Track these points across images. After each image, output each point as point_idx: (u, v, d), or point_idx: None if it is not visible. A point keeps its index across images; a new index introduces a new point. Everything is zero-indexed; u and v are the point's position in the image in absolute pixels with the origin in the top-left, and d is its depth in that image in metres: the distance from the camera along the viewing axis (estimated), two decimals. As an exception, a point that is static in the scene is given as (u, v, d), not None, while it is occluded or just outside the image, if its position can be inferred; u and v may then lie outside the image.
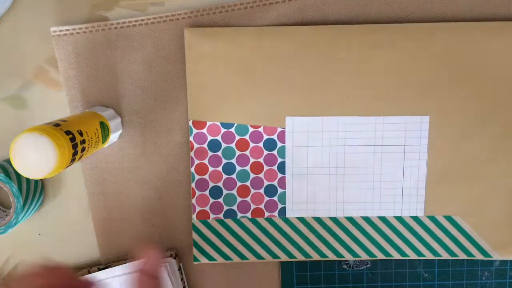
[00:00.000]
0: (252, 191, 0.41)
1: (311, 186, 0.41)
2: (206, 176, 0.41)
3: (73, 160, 0.33)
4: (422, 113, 0.39)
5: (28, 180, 0.41)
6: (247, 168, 0.40)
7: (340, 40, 0.39)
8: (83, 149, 0.34)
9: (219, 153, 0.40)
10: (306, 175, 0.40)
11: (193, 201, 0.41)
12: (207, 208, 0.41)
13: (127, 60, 0.40)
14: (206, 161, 0.40)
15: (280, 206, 0.41)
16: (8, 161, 0.41)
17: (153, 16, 0.39)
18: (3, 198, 0.44)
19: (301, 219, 0.41)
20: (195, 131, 0.40)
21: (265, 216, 0.41)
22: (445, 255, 0.41)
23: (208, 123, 0.40)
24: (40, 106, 0.42)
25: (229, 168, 0.40)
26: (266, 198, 0.41)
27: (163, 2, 0.40)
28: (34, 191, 0.41)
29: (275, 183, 0.41)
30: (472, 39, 0.38)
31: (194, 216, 0.41)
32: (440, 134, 0.40)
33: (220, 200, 0.41)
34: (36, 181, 0.42)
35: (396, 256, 0.41)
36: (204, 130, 0.40)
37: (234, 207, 0.41)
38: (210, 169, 0.41)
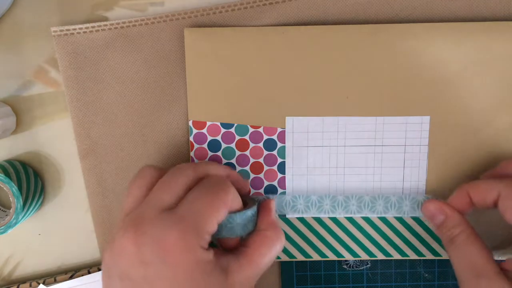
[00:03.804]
0: (252, 191, 0.41)
1: (311, 186, 0.40)
2: (206, 176, 0.41)
3: None
4: (423, 113, 0.39)
5: (28, 180, 0.41)
6: (247, 168, 0.40)
7: (340, 40, 0.39)
8: None
9: (219, 153, 0.40)
10: (306, 175, 0.40)
11: (193, 201, 0.41)
12: (207, 208, 0.41)
13: (127, 60, 0.40)
14: (206, 161, 0.40)
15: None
16: (8, 161, 0.41)
17: (153, 16, 0.39)
18: (3, 198, 0.44)
19: (301, 219, 0.41)
20: (195, 131, 0.40)
21: (265, 216, 0.41)
22: (445, 255, 0.41)
23: (208, 123, 0.40)
24: (40, 106, 0.42)
25: (229, 168, 0.40)
26: (266, 198, 0.41)
27: (163, 2, 0.40)
28: (34, 191, 0.41)
29: (275, 183, 0.41)
30: (472, 39, 0.38)
31: (194, 216, 0.41)
32: (440, 134, 0.39)
33: (220, 200, 0.41)
34: (36, 181, 0.42)
35: (396, 256, 0.41)
36: (204, 130, 0.40)
37: (234, 207, 0.41)
38: (210, 169, 0.40)
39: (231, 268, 0.33)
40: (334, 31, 0.39)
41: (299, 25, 0.39)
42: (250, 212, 0.35)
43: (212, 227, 0.32)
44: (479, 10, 0.39)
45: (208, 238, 0.32)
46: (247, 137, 0.40)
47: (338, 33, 0.39)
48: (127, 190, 0.35)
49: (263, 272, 0.35)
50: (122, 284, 0.32)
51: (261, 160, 0.40)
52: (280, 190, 0.41)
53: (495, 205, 0.35)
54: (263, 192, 0.41)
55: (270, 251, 0.35)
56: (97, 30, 0.39)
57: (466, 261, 0.34)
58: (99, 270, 0.42)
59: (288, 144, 0.40)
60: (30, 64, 0.41)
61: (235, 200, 0.35)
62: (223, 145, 0.40)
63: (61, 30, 0.39)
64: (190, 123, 0.40)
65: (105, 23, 0.39)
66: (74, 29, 0.39)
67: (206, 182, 0.34)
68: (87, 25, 0.39)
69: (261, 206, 0.38)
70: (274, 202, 0.38)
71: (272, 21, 0.39)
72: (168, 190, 0.34)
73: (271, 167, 0.40)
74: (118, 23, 0.39)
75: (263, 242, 0.35)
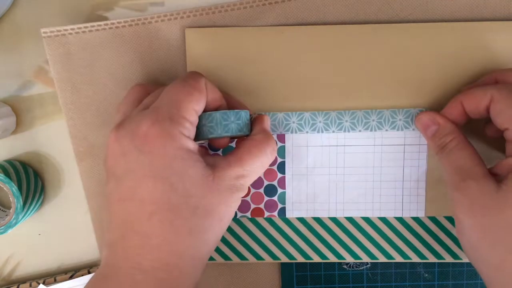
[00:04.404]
0: (252, 190, 0.41)
1: (311, 186, 0.40)
2: (206, 176, 0.40)
3: None
4: (422, 113, 0.39)
5: (28, 180, 0.41)
6: (247, 167, 0.40)
7: (340, 40, 0.39)
8: None
9: (219, 152, 0.40)
10: (306, 175, 0.40)
11: (193, 201, 0.41)
12: (207, 208, 0.41)
13: (123, 61, 0.40)
14: (206, 161, 0.40)
15: (280, 206, 0.41)
16: (8, 161, 0.41)
17: (150, 15, 0.39)
18: (3, 198, 0.44)
19: (301, 220, 0.41)
20: (195, 131, 0.40)
21: (265, 216, 0.41)
22: (448, 258, 0.41)
23: (208, 123, 0.40)
24: (40, 106, 0.42)
25: (229, 168, 0.40)
26: (266, 198, 0.41)
27: (163, 2, 0.40)
28: (34, 191, 0.41)
29: (275, 183, 0.41)
30: (472, 39, 0.38)
31: (194, 216, 0.41)
32: None
33: (220, 200, 0.41)
34: (36, 181, 0.42)
35: (398, 258, 0.41)
36: (204, 130, 0.40)
37: (234, 207, 0.41)
38: (210, 169, 0.40)
39: (219, 164, 0.33)
40: (334, 31, 0.39)
41: (299, 25, 0.39)
42: (244, 114, 0.36)
43: (188, 114, 0.32)
44: (479, 10, 0.39)
45: (188, 126, 0.32)
46: (246, 137, 0.40)
47: (338, 33, 0.39)
48: (117, 108, 0.36)
49: (255, 178, 0.35)
50: (110, 183, 0.33)
51: (260, 159, 0.40)
52: (280, 190, 0.41)
53: (488, 111, 0.35)
54: (263, 192, 0.41)
55: (260, 153, 0.35)
56: (90, 31, 0.39)
57: (455, 165, 0.34)
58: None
59: (288, 143, 0.40)
60: (30, 64, 0.41)
61: (211, 89, 0.35)
62: (223, 145, 0.40)
63: (51, 31, 0.39)
64: (190, 123, 0.40)
65: (99, 23, 0.39)
66: (66, 30, 0.39)
67: (179, 77, 0.35)
68: (80, 25, 0.39)
69: (255, 118, 0.38)
70: (268, 117, 0.38)
71: (272, 21, 0.39)
72: (153, 96, 0.35)
73: (271, 167, 0.40)
74: (113, 23, 0.39)
75: (253, 144, 0.35)
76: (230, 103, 0.38)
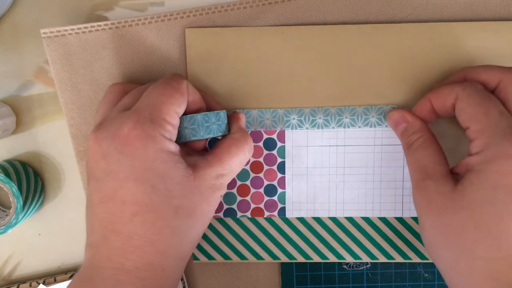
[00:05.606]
0: (252, 190, 0.41)
1: (311, 186, 0.40)
2: (206, 176, 0.40)
3: None
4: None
5: (28, 180, 0.41)
6: (247, 167, 0.40)
7: (340, 40, 0.39)
8: None
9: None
10: (306, 175, 0.40)
11: (193, 201, 0.41)
12: (207, 208, 0.41)
13: (123, 61, 0.40)
14: (206, 161, 0.40)
15: (280, 206, 0.41)
16: (8, 161, 0.41)
17: (150, 15, 0.39)
18: (3, 198, 0.44)
19: (301, 219, 0.41)
20: (195, 131, 0.40)
21: (265, 216, 0.41)
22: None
23: (208, 123, 0.40)
24: (40, 106, 0.42)
25: (229, 168, 0.40)
26: (266, 198, 0.41)
27: (163, 2, 0.40)
28: (34, 191, 0.41)
29: (275, 183, 0.41)
30: (472, 39, 0.38)
31: (194, 216, 0.41)
32: (440, 133, 0.39)
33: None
34: (36, 181, 0.42)
35: (398, 259, 0.41)
36: (204, 130, 0.40)
37: (234, 206, 0.41)
38: (210, 169, 0.40)
39: (199, 164, 0.34)
40: (334, 31, 0.39)
41: (298, 25, 0.39)
42: (223, 114, 0.36)
43: (170, 116, 0.32)
44: (479, 10, 0.39)
45: (170, 128, 0.32)
46: (246, 137, 0.40)
47: (338, 33, 0.39)
48: (97, 108, 0.36)
49: (234, 176, 0.36)
50: (90, 184, 0.33)
51: (261, 159, 0.40)
52: (280, 190, 0.41)
53: (454, 109, 0.35)
54: (263, 192, 0.41)
55: (239, 152, 0.35)
56: (90, 31, 0.39)
57: (418, 164, 0.35)
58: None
59: (287, 143, 0.40)
60: (30, 64, 0.41)
61: (192, 91, 0.35)
62: (223, 145, 0.40)
63: (51, 32, 0.39)
64: (190, 123, 0.40)
65: (98, 23, 0.39)
66: (66, 30, 0.39)
67: (161, 79, 0.35)
68: (80, 25, 0.39)
69: (230, 116, 0.38)
70: (243, 114, 0.39)
71: (272, 21, 0.39)
72: (131, 95, 0.35)
73: (271, 167, 0.40)
74: (113, 23, 0.39)
75: (231, 143, 0.35)
76: (206, 103, 0.38)
